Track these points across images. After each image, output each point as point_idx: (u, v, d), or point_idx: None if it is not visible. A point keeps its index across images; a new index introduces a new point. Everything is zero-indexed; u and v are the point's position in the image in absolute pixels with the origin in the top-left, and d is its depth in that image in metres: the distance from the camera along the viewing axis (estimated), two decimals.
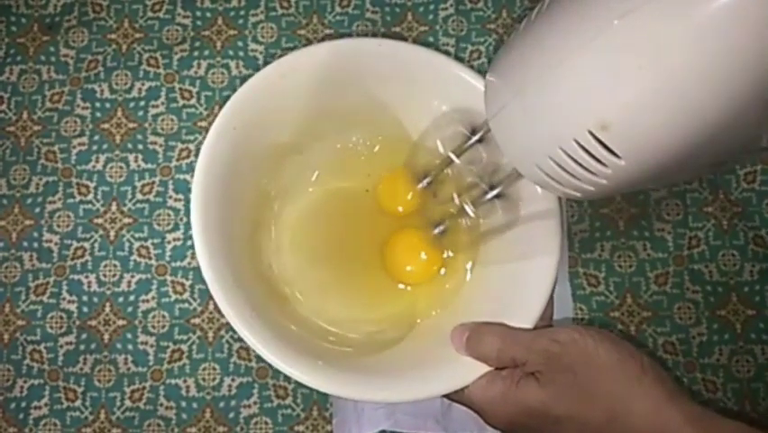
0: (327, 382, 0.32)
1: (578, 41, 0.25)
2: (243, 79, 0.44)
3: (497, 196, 0.34)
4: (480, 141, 0.32)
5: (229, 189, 0.37)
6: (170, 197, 0.53)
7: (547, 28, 0.27)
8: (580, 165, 0.27)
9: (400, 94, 0.40)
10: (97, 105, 0.54)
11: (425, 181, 0.39)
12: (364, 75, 0.39)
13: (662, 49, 0.23)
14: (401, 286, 0.41)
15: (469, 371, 0.33)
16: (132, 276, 0.51)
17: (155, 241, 0.52)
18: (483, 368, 0.33)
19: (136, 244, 0.52)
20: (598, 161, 0.26)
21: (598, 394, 0.30)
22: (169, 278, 0.51)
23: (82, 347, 0.50)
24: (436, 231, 0.38)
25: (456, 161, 0.35)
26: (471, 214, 0.35)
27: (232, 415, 0.49)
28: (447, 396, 0.35)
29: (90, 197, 0.53)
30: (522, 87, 0.28)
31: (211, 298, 0.51)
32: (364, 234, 0.42)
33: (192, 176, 0.53)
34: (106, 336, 0.51)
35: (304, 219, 0.42)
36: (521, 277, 0.36)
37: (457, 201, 0.36)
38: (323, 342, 0.38)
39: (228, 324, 0.50)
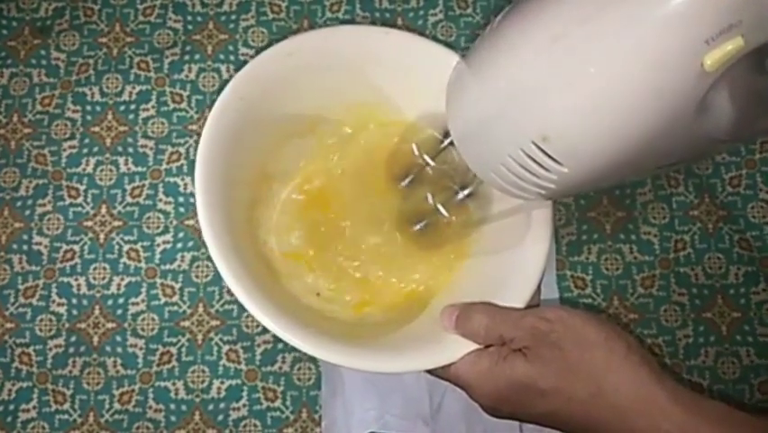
0: (316, 346, 0.33)
1: (527, 51, 0.27)
2: None
3: (467, 195, 0.36)
4: (452, 143, 0.33)
5: (232, 160, 0.37)
6: (160, 200, 0.53)
7: (501, 38, 0.29)
8: (529, 172, 0.29)
9: (403, 84, 0.41)
10: (88, 108, 0.54)
11: (406, 181, 0.40)
12: (369, 62, 0.40)
13: (601, 61, 0.26)
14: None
15: (456, 347, 0.34)
16: (122, 279, 0.51)
17: (145, 244, 0.52)
18: (471, 345, 0.34)
19: (126, 247, 0.52)
20: (544, 168, 0.28)
21: (584, 369, 0.30)
22: (158, 281, 0.51)
23: (71, 350, 0.50)
24: (417, 227, 0.39)
25: (431, 163, 0.37)
26: (445, 213, 0.37)
27: (221, 417, 0.49)
28: (435, 373, 0.35)
29: (80, 200, 0.53)
30: (475, 99, 0.30)
31: (200, 301, 0.51)
32: (359, 219, 0.43)
33: (182, 179, 0.53)
34: (95, 339, 0.51)
35: (300, 202, 0.43)
36: (513, 262, 0.37)
37: (431, 201, 0.37)
38: (312, 316, 0.39)
39: (218, 326, 0.51)
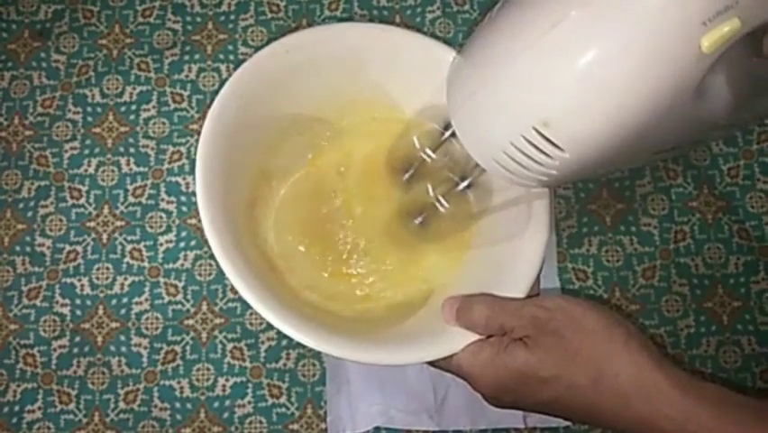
0: (320, 340, 0.33)
1: (528, 37, 0.28)
2: None
3: (468, 186, 0.36)
4: (453, 135, 0.33)
5: (231, 158, 0.38)
6: (162, 199, 0.53)
7: (502, 25, 0.30)
8: (531, 158, 0.29)
9: (401, 80, 0.41)
10: (89, 109, 0.55)
11: (407, 175, 0.40)
12: (367, 59, 0.41)
13: (600, 44, 0.26)
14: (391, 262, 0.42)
15: (458, 339, 0.35)
16: (125, 278, 0.52)
17: (148, 243, 0.52)
18: (472, 336, 0.34)
19: (129, 247, 0.52)
20: (546, 154, 0.29)
21: (584, 356, 0.31)
22: (162, 280, 0.52)
23: (75, 350, 0.50)
24: (418, 220, 0.40)
25: (432, 156, 0.37)
26: (445, 205, 0.37)
27: (226, 415, 0.50)
28: (437, 364, 0.35)
29: (82, 200, 0.53)
30: (476, 87, 0.31)
31: (204, 299, 0.51)
32: (360, 215, 0.43)
33: (184, 178, 0.53)
34: (100, 339, 0.51)
35: (300, 198, 0.44)
36: (512, 253, 0.38)
37: (432, 194, 0.37)
38: (315, 312, 0.39)
39: (222, 324, 0.51)
